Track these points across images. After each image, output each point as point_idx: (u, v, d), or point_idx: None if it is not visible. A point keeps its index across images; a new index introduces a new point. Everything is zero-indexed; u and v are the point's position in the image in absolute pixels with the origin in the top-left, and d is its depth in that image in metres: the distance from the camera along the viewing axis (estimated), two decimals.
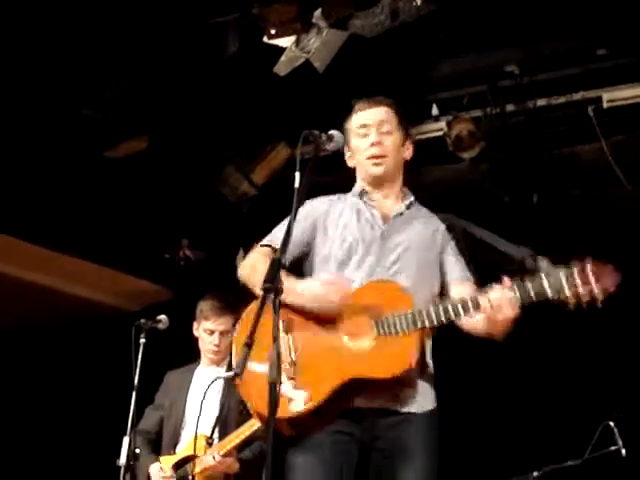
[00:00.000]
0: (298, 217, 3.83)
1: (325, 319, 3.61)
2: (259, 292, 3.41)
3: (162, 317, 5.37)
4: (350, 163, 3.95)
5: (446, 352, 3.80)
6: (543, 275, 3.37)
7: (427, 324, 3.49)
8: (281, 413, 3.38)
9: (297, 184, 3.40)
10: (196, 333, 5.69)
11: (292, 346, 3.59)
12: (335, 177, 4.03)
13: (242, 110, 6.76)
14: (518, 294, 3.39)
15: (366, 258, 3.73)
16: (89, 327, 8.63)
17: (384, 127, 3.86)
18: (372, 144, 3.83)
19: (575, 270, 3.30)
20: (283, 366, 3.49)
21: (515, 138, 6.56)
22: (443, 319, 3.49)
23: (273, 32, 5.89)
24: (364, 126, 3.88)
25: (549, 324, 6.62)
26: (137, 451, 5.03)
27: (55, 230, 7.13)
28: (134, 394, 5.10)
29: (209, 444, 5.26)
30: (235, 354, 3.69)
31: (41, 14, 5.75)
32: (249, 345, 3.06)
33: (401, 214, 3.86)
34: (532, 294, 3.37)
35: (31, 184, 6.80)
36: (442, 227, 3.88)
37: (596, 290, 3.23)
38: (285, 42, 6.04)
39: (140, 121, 6.70)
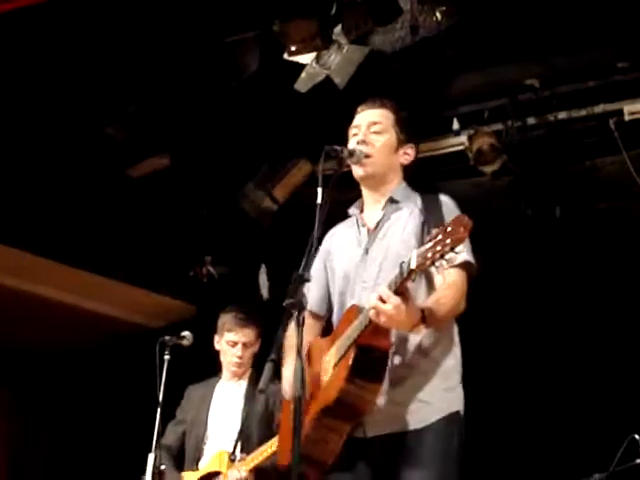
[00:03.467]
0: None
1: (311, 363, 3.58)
2: None
3: (186, 333, 5.38)
4: (352, 168, 3.77)
5: (472, 361, 3.75)
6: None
7: (356, 333, 3.36)
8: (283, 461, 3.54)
9: (319, 200, 3.41)
10: (217, 346, 5.68)
11: None
12: (358, 193, 4.00)
13: (263, 127, 6.78)
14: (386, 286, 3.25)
15: (356, 281, 3.66)
16: (114, 344, 8.65)
17: (375, 127, 3.75)
18: (357, 142, 3.72)
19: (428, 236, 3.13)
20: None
21: (536, 151, 6.54)
22: (365, 323, 3.34)
23: (293, 49, 5.92)
24: (356, 127, 3.80)
25: (579, 337, 6.61)
26: (162, 467, 5.03)
27: (79, 248, 7.16)
28: (159, 410, 5.10)
29: (231, 460, 5.26)
30: None
31: (63, 34, 5.80)
32: (274, 361, 3.07)
33: (381, 219, 3.74)
34: (404, 269, 3.18)
35: (55, 203, 6.85)
36: (416, 211, 3.67)
37: (448, 241, 3.02)
38: (305, 59, 6.07)
39: (162, 139, 6.73)
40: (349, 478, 3.52)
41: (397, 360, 3.50)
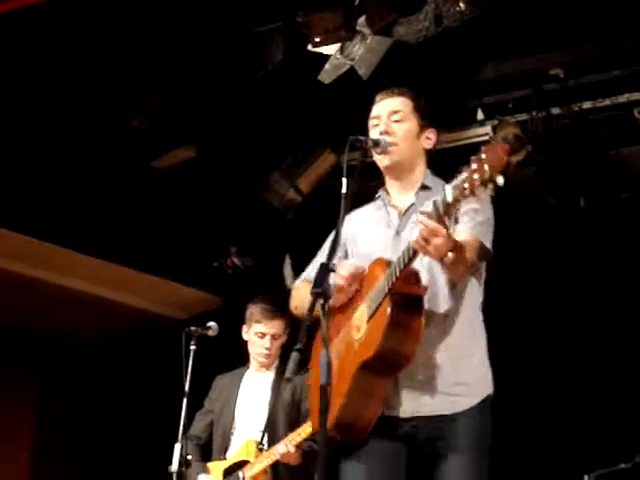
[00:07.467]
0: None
1: (344, 320, 3.56)
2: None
3: (212, 324, 5.39)
4: (375, 158, 3.77)
5: (493, 351, 3.73)
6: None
7: (389, 284, 3.34)
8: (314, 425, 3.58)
9: (344, 190, 3.42)
10: (246, 337, 5.68)
11: None
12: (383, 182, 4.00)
13: (287, 118, 6.80)
14: (428, 212, 3.21)
15: None
16: (139, 336, 8.71)
17: (395, 116, 3.74)
18: (380, 133, 3.71)
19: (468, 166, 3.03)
20: None
21: (561, 141, 6.53)
22: (398, 271, 3.33)
23: (317, 40, 5.93)
24: (376, 117, 3.79)
25: (601, 328, 6.60)
26: (189, 457, 5.05)
27: (105, 240, 7.21)
28: (185, 401, 5.13)
29: (259, 449, 5.28)
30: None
31: (88, 27, 5.84)
32: (301, 350, 3.08)
33: (412, 204, 3.71)
34: (440, 204, 3.15)
35: (82, 195, 6.90)
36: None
37: (485, 167, 2.93)
38: (329, 50, 6.09)
39: (187, 131, 6.76)
40: (379, 456, 3.51)
41: (433, 334, 3.48)
